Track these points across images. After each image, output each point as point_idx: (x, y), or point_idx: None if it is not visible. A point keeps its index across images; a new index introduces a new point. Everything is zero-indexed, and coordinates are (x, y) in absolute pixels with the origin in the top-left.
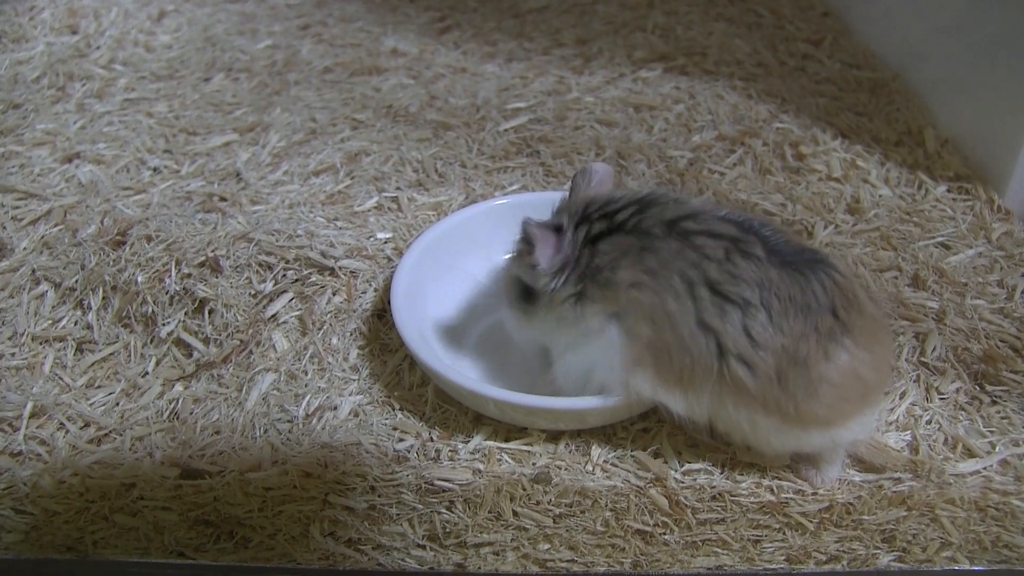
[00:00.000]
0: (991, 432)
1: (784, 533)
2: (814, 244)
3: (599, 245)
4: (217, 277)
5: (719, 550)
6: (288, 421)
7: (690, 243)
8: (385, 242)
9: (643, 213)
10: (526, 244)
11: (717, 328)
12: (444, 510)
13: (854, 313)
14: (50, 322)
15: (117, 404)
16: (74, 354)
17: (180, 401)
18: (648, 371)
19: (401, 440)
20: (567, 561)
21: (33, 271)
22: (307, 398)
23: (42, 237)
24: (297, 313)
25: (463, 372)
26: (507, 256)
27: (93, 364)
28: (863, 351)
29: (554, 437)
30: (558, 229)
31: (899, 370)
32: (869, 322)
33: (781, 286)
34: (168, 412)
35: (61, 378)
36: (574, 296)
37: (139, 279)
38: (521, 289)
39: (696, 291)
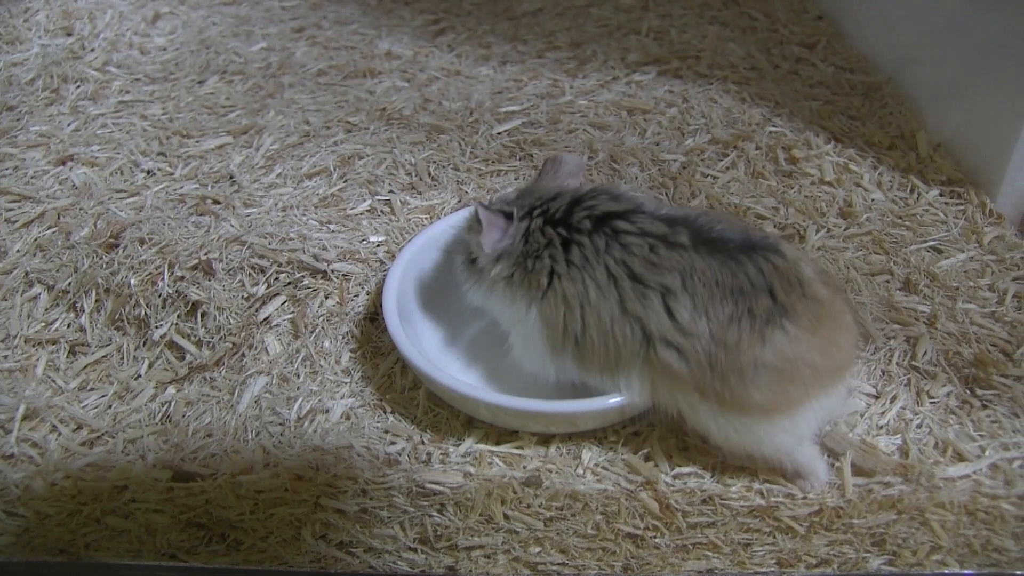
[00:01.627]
0: (981, 436)
1: (774, 537)
2: (804, 248)
3: (533, 235)
4: (210, 280)
5: (709, 553)
6: (280, 424)
7: (617, 240)
8: (378, 245)
9: (575, 209)
10: (477, 224)
11: (640, 314)
12: (435, 513)
13: (795, 295)
14: (43, 324)
15: (110, 407)
16: (67, 356)
17: (172, 404)
18: (568, 355)
19: (393, 443)
20: (558, 564)
21: (26, 273)
22: (299, 401)
23: (35, 239)
24: (289, 316)
25: (454, 376)
26: (467, 217)
27: (86, 367)
28: (806, 334)
29: (545, 440)
30: (508, 216)
31: (889, 373)
32: (815, 304)
33: (707, 272)
34: (160, 415)
35: (54, 380)
36: (504, 280)
37: (132, 282)
38: (468, 254)
39: (620, 282)
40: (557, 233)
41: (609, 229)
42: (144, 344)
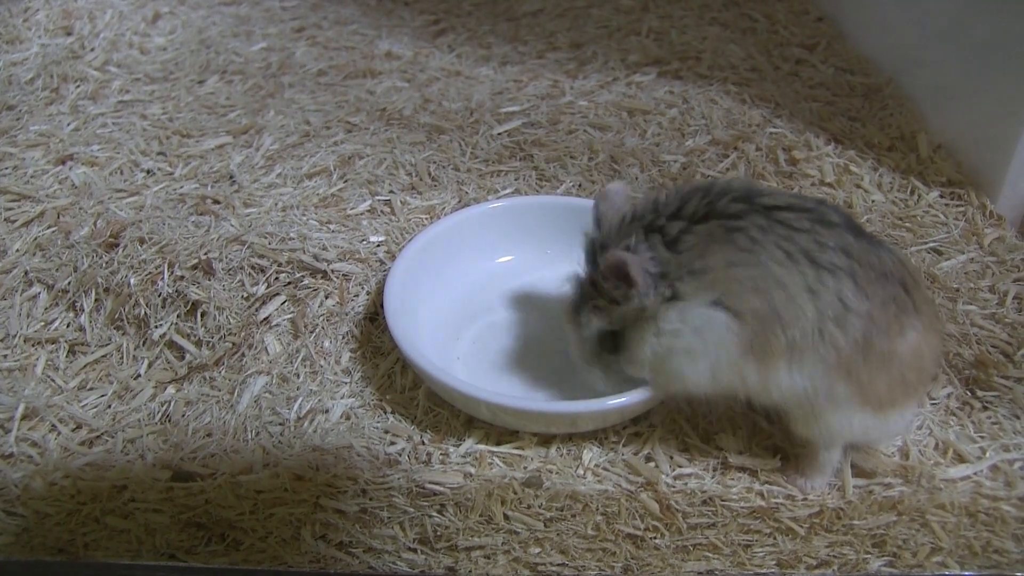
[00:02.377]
0: (982, 437)
1: (775, 538)
2: None
3: (679, 244)
4: (210, 280)
5: (710, 554)
6: (280, 424)
7: (774, 217)
8: (378, 245)
9: (714, 200)
10: (612, 279)
11: (818, 291)
12: (435, 513)
13: (920, 293)
14: (42, 324)
15: (109, 406)
16: (66, 356)
17: (172, 403)
18: (756, 353)
19: (393, 443)
20: (558, 565)
21: (26, 273)
22: (299, 401)
23: (35, 239)
24: (289, 316)
25: (455, 375)
26: (571, 311)
27: (85, 366)
28: (928, 333)
29: (546, 441)
30: (627, 249)
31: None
32: (931, 307)
33: (861, 253)
34: (160, 414)
35: (53, 380)
36: (666, 300)
37: (132, 281)
38: (603, 340)
39: (795, 259)
40: (715, 225)
41: (760, 205)
42: (144, 344)
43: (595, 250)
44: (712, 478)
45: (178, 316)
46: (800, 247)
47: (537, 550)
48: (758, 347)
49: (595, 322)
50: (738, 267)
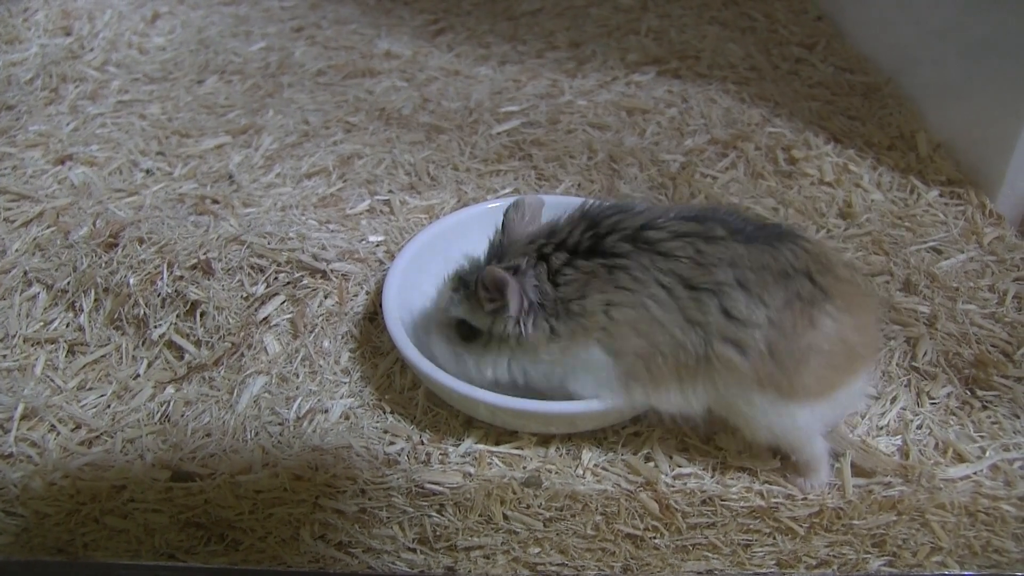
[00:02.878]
0: (981, 437)
1: (774, 537)
2: None
3: (559, 276)
4: (209, 279)
5: (709, 554)
6: (279, 424)
7: (658, 250)
8: (377, 245)
9: (599, 233)
10: (488, 291)
11: (700, 319)
12: (434, 513)
13: (830, 277)
14: (42, 324)
15: (108, 406)
16: (65, 356)
17: (171, 403)
18: (641, 380)
19: (392, 443)
20: (557, 565)
21: (25, 273)
22: (298, 401)
23: (34, 239)
24: (288, 316)
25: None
26: (443, 297)
27: (84, 366)
28: (846, 315)
29: (545, 441)
30: (515, 271)
31: (889, 373)
32: (847, 286)
33: (752, 259)
34: (159, 414)
35: (52, 380)
36: (546, 336)
37: (131, 281)
38: (460, 325)
39: (675, 292)
40: (598, 264)
41: (644, 243)
42: (143, 344)
43: (493, 253)
44: (711, 478)
45: (177, 316)
46: (680, 277)
47: (536, 550)
48: (642, 376)
49: (462, 308)
50: (618, 308)
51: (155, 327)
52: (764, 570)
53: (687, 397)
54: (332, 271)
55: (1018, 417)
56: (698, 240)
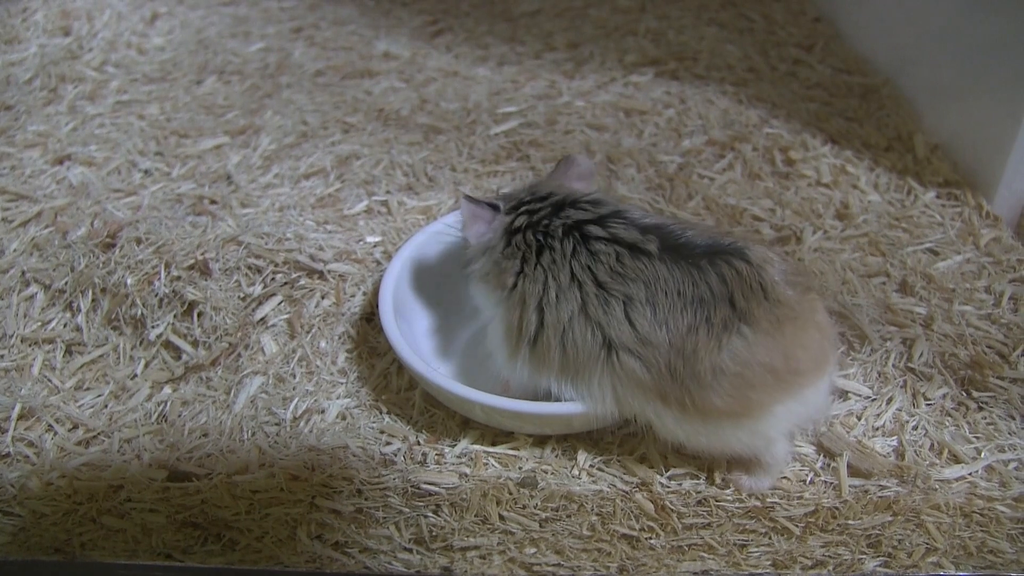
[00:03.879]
0: (977, 438)
1: (770, 538)
2: (801, 249)
3: (515, 235)
4: (206, 280)
5: (705, 555)
6: (276, 424)
7: (586, 246)
8: (374, 246)
9: (556, 213)
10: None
11: (601, 320)
12: (431, 514)
13: (755, 301)
14: (39, 324)
15: (106, 406)
16: (63, 356)
17: (168, 403)
18: (524, 357)
19: (388, 444)
20: (553, 565)
21: (23, 273)
22: (295, 401)
23: (32, 239)
24: (286, 316)
25: (450, 376)
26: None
27: (82, 366)
28: (766, 337)
29: (541, 441)
30: (495, 208)
31: (885, 375)
32: (777, 307)
33: (670, 282)
34: (156, 414)
35: (50, 380)
36: (480, 275)
37: (128, 281)
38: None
39: (584, 287)
40: (535, 238)
41: (579, 235)
42: (140, 344)
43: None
44: (707, 478)
45: (175, 316)
46: (593, 276)
47: (532, 550)
48: (531, 356)
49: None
50: (526, 279)
51: (152, 327)
52: (760, 570)
53: (578, 392)
54: (329, 271)
55: (1013, 418)
56: (626, 251)
